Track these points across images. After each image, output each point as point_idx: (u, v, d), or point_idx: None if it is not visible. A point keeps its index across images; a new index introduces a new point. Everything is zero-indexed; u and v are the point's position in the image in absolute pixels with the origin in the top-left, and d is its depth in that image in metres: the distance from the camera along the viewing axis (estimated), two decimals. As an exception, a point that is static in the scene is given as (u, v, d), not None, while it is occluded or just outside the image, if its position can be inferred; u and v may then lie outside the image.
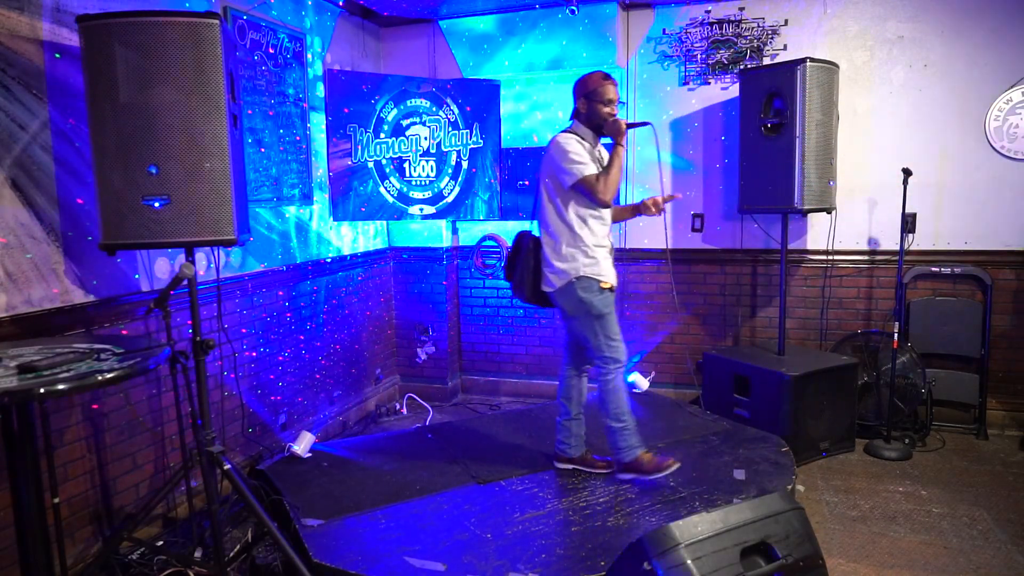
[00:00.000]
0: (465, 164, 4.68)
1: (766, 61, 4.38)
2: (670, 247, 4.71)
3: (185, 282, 2.38)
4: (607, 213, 3.14)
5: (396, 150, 4.56)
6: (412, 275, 5.06)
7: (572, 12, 4.37)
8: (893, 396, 3.98)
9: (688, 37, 4.54)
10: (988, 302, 4.11)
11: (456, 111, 4.63)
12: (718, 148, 4.57)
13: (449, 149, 4.65)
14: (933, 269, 4.22)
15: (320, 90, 4.25)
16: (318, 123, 4.24)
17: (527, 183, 4.78)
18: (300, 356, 4.07)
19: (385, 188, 4.56)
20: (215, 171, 2.45)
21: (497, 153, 4.72)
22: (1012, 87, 4.02)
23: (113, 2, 2.76)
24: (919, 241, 4.24)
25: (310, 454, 3.60)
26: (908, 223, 4.10)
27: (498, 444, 3.76)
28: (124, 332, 2.89)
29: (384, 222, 4.96)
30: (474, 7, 4.56)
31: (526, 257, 3.20)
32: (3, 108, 2.41)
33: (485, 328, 5.18)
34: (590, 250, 3.05)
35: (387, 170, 4.55)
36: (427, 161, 4.63)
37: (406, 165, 4.60)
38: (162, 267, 3.09)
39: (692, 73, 4.56)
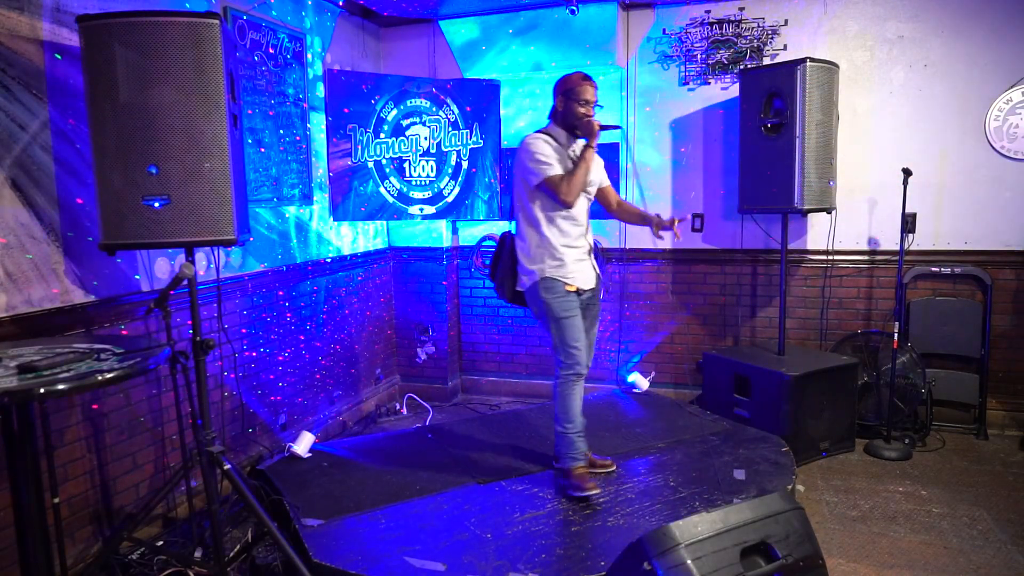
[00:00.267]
0: (465, 164, 4.68)
1: (766, 61, 4.38)
2: (670, 247, 4.72)
3: (185, 282, 2.38)
4: (580, 214, 3.11)
5: (396, 150, 4.56)
6: (412, 275, 5.06)
7: (572, 12, 4.37)
8: (893, 396, 3.98)
9: (688, 37, 4.54)
10: (988, 302, 4.11)
11: (456, 111, 4.63)
12: (718, 148, 4.56)
13: (449, 149, 4.65)
14: (933, 269, 4.22)
15: (320, 90, 4.25)
16: (318, 123, 4.24)
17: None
18: (300, 356, 4.07)
19: (385, 188, 4.56)
20: (215, 171, 2.45)
21: (497, 153, 4.72)
22: (1012, 87, 4.02)
23: (113, 2, 2.76)
24: (919, 241, 4.24)
25: (310, 454, 3.60)
26: (908, 223, 4.09)
27: (498, 444, 3.76)
28: (124, 332, 2.89)
29: (384, 222, 4.96)
30: (474, 7, 4.56)
31: (506, 257, 3.22)
32: (3, 108, 2.42)
33: (485, 328, 5.19)
34: (557, 251, 3.04)
35: (387, 170, 4.56)
36: (427, 161, 4.63)
37: (406, 165, 4.60)
38: (162, 267, 3.09)
39: (692, 73, 4.56)
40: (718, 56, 4.50)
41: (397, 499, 3.10)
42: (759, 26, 4.40)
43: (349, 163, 4.39)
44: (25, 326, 2.47)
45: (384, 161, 4.53)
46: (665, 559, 1.85)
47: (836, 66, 4.01)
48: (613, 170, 4.72)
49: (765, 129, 4.00)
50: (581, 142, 3.08)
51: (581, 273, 3.11)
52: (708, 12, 4.48)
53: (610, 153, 4.72)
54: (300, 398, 4.08)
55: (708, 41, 4.50)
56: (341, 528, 2.84)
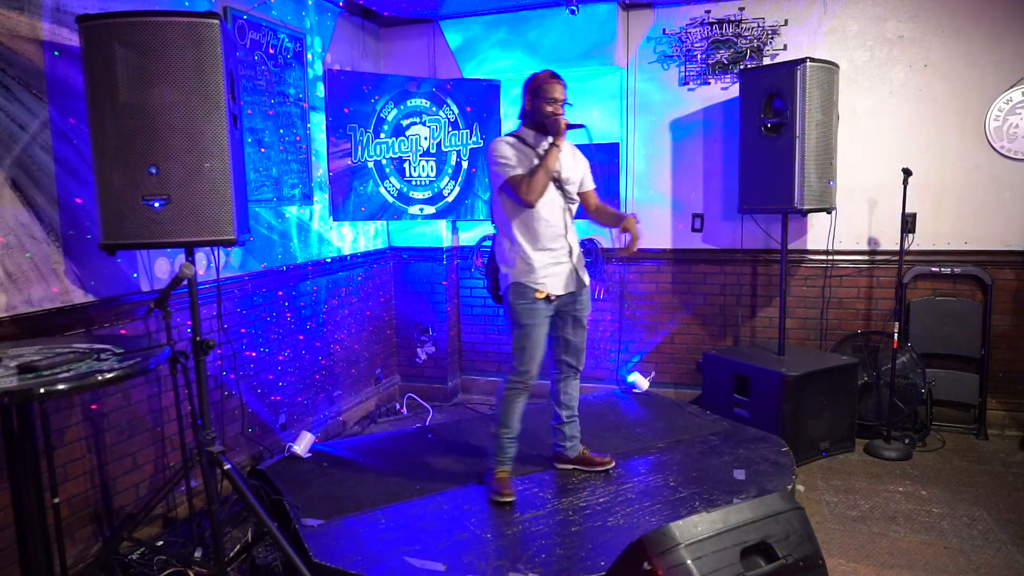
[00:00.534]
0: (465, 164, 4.68)
1: (766, 61, 4.38)
2: (670, 247, 4.72)
3: (185, 282, 2.38)
4: (554, 215, 3.01)
5: (396, 150, 4.56)
6: (412, 275, 5.06)
7: (572, 12, 4.37)
8: (893, 396, 3.98)
9: (688, 37, 4.54)
10: (988, 302, 4.11)
11: (456, 111, 4.63)
12: (718, 148, 4.56)
13: (449, 149, 4.65)
14: (933, 269, 4.22)
15: (320, 90, 4.25)
16: (318, 123, 4.24)
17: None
18: (300, 356, 4.07)
19: (385, 188, 4.56)
20: (215, 171, 2.46)
21: (497, 153, 4.72)
22: (1012, 87, 4.02)
23: (113, 2, 2.76)
24: (919, 241, 4.24)
25: (310, 454, 3.60)
26: (908, 223, 4.09)
27: (498, 444, 3.75)
28: (124, 332, 2.89)
29: (384, 222, 4.96)
30: (474, 7, 4.56)
31: (491, 260, 3.23)
32: (3, 108, 2.42)
33: (485, 328, 5.18)
34: (526, 255, 2.99)
35: (387, 170, 4.56)
36: (427, 161, 4.63)
37: (406, 165, 4.60)
38: (162, 267, 3.09)
39: (692, 73, 4.56)
40: (718, 56, 4.49)
41: (397, 499, 3.10)
42: (759, 26, 4.40)
43: (349, 163, 4.39)
44: (25, 326, 2.47)
45: (384, 161, 4.53)
46: (665, 559, 1.85)
47: (836, 66, 4.01)
48: (613, 170, 4.73)
49: (765, 129, 4.00)
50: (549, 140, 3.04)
51: (554, 278, 3.02)
52: (708, 12, 4.48)
53: (610, 153, 4.73)
54: (300, 398, 4.08)
55: (708, 41, 4.50)
56: (341, 528, 2.84)
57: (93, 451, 2.78)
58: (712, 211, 4.62)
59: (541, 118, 3.00)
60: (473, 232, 5.11)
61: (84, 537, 2.74)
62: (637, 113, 4.68)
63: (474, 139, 4.66)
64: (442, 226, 4.97)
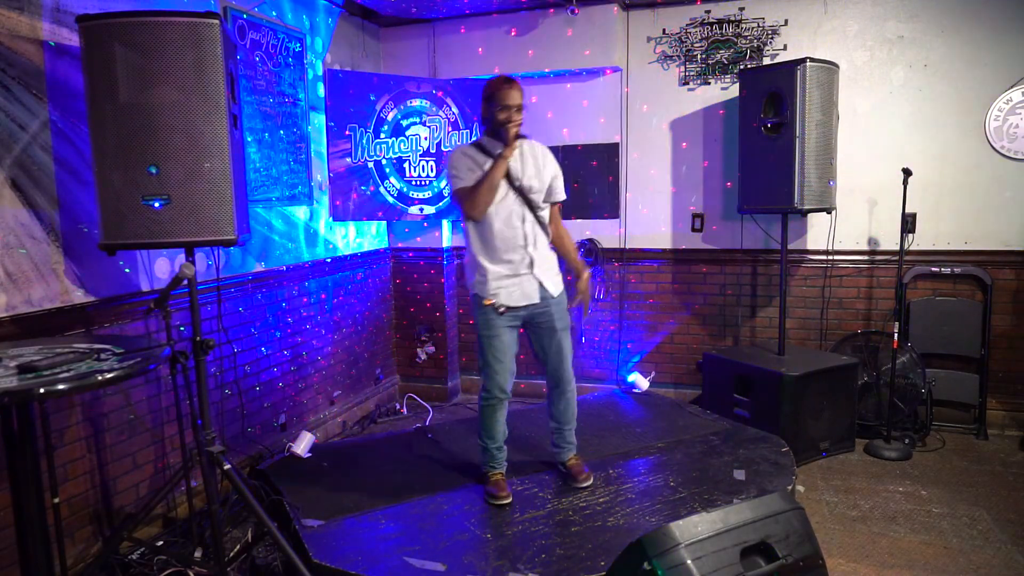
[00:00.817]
0: (465, 164, 4.67)
1: (766, 61, 4.38)
2: (670, 247, 4.72)
3: (185, 282, 2.38)
4: (510, 226, 2.92)
5: (396, 150, 4.56)
6: (412, 275, 5.06)
7: (572, 13, 4.37)
8: (893, 396, 3.98)
9: (688, 37, 4.54)
10: (988, 302, 4.11)
11: (456, 111, 4.63)
12: (718, 148, 4.56)
13: (449, 149, 4.65)
14: (933, 269, 4.22)
15: (320, 90, 4.25)
16: (318, 123, 4.24)
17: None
18: (300, 356, 4.07)
19: (385, 188, 4.56)
20: (215, 171, 2.46)
21: (497, 153, 4.72)
22: (1012, 87, 4.02)
23: (113, 2, 2.76)
24: (919, 241, 4.24)
25: (310, 454, 3.60)
26: (908, 223, 4.10)
27: (498, 444, 3.75)
28: (124, 332, 2.89)
29: (384, 222, 4.96)
30: (474, 7, 4.56)
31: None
32: (3, 108, 2.42)
33: (485, 328, 5.18)
34: (482, 268, 2.96)
35: (387, 170, 4.56)
36: (427, 161, 4.63)
37: (406, 165, 4.60)
38: (162, 267, 3.09)
39: (692, 73, 4.56)
40: (718, 56, 4.49)
41: (397, 499, 3.10)
42: (759, 26, 4.40)
43: (349, 163, 4.39)
44: (25, 326, 2.48)
45: (384, 161, 4.54)
46: (665, 559, 1.85)
47: (836, 66, 4.01)
48: (612, 171, 4.73)
49: (765, 129, 4.00)
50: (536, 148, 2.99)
51: (509, 290, 2.94)
52: (708, 12, 4.48)
53: (610, 153, 4.73)
54: (300, 398, 4.08)
55: (708, 41, 4.50)
56: (341, 528, 2.84)
57: (93, 451, 2.78)
58: (712, 211, 4.62)
59: (496, 125, 2.89)
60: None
61: (84, 537, 2.74)
62: (637, 113, 4.68)
63: (474, 139, 4.66)
64: (442, 226, 4.97)
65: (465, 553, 2.64)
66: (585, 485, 3.17)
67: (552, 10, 4.51)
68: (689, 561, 1.85)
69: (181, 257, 3.03)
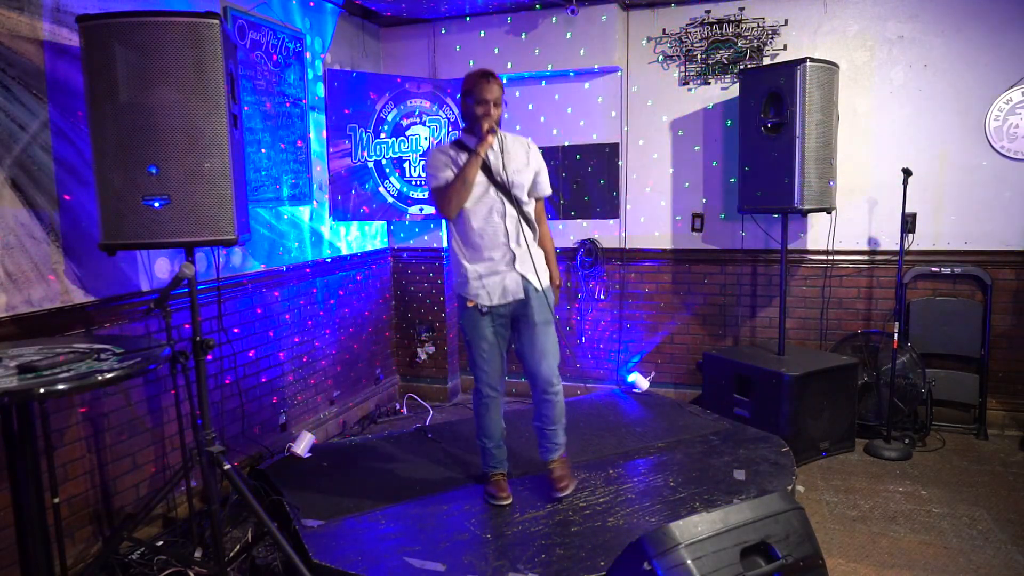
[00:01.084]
0: (465, 164, 4.67)
1: (766, 61, 4.38)
2: (670, 247, 4.72)
3: (185, 282, 2.38)
4: (490, 224, 2.86)
5: (396, 150, 4.56)
6: (412, 275, 5.06)
7: (572, 13, 4.37)
8: (893, 396, 3.98)
9: (688, 37, 4.54)
10: (988, 302, 4.11)
11: (456, 111, 4.63)
12: (718, 148, 4.56)
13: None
14: (933, 269, 4.22)
15: (320, 90, 4.25)
16: (318, 123, 4.24)
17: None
18: (300, 356, 4.07)
19: (385, 188, 4.56)
20: (215, 171, 2.46)
21: (497, 153, 4.72)
22: (1012, 87, 4.02)
23: (113, 2, 2.76)
24: (919, 241, 4.24)
25: (310, 454, 3.60)
26: (908, 223, 4.10)
27: (498, 444, 3.75)
28: (124, 332, 2.89)
29: (384, 222, 4.96)
30: (474, 7, 4.56)
31: None
32: (3, 108, 2.42)
33: (485, 328, 5.18)
34: (462, 267, 2.93)
35: (387, 170, 4.56)
36: (427, 161, 4.63)
37: (406, 165, 4.60)
38: (162, 267, 3.09)
39: (692, 73, 4.56)
40: (718, 56, 4.49)
41: (397, 499, 3.10)
42: (759, 26, 4.40)
43: (349, 163, 4.39)
44: (25, 326, 2.48)
45: (384, 161, 4.54)
46: (665, 559, 1.85)
47: (836, 66, 4.01)
48: (612, 171, 4.73)
49: (765, 129, 4.00)
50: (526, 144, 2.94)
51: (490, 288, 2.89)
52: (708, 12, 4.48)
53: (610, 154, 4.73)
54: (300, 398, 4.08)
55: (708, 41, 4.50)
56: (341, 528, 2.84)
57: (93, 451, 2.78)
58: (712, 211, 4.62)
59: (472, 120, 2.84)
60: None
61: (84, 537, 2.74)
62: (637, 113, 4.68)
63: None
64: (442, 226, 4.97)
65: (465, 553, 2.64)
66: (562, 496, 3.04)
67: (552, 10, 4.51)
68: (689, 561, 1.85)
69: (181, 257, 3.03)
